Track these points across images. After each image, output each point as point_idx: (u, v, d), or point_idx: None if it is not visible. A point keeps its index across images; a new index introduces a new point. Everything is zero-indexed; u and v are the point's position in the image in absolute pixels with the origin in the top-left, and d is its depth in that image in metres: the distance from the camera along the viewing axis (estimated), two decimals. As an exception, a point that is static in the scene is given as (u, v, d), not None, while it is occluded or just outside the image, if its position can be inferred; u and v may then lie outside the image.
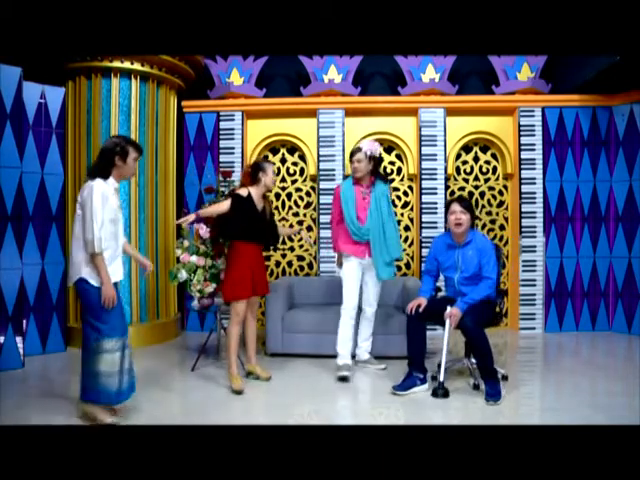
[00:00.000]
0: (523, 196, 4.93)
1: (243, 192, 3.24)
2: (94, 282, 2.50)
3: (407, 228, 5.19)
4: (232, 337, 3.21)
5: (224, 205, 3.25)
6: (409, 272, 5.16)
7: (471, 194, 5.16)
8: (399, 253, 3.56)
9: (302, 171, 5.24)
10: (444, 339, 3.09)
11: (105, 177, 2.56)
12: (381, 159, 3.71)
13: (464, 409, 2.82)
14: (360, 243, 3.49)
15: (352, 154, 3.55)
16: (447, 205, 3.24)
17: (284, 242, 5.23)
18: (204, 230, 3.93)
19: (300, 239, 3.82)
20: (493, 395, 2.85)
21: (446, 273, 3.27)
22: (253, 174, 3.30)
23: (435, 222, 4.93)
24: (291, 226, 5.11)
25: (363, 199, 3.53)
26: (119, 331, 2.56)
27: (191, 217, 3.25)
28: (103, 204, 2.48)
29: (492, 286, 3.06)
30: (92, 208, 2.45)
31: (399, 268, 5.19)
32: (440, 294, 3.45)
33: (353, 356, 3.64)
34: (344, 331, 3.51)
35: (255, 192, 3.28)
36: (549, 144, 4.91)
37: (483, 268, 3.08)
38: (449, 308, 3.04)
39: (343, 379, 3.36)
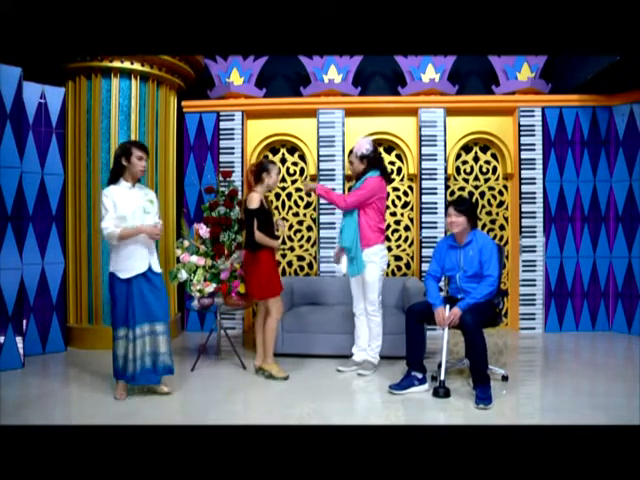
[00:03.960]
0: (523, 196, 4.93)
1: (255, 203, 3.30)
2: (119, 275, 2.92)
3: (407, 228, 5.19)
4: (274, 332, 3.43)
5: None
6: (409, 272, 5.16)
7: (471, 194, 5.16)
8: (346, 244, 3.44)
9: (302, 171, 5.24)
10: (444, 339, 3.09)
11: (115, 179, 2.96)
12: (374, 154, 3.51)
13: (465, 409, 2.81)
14: None
15: (348, 155, 3.61)
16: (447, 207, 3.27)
17: (284, 242, 5.24)
18: (204, 230, 3.93)
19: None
20: (484, 399, 2.82)
21: (449, 273, 3.28)
22: (257, 174, 3.39)
23: (435, 222, 4.93)
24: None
25: None
26: (122, 322, 2.94)
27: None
28: (114, 206, 2.88)
29: (493, 283, 3.06)
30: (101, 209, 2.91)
31: (399, 268, 5.19)
32: (441, 294, 3.45)
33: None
34: (355, 329, 3.70)
35: (260, 192, 3.39)
36: (549, 144, 4.91)
37: (484, 266, 3.09)
38: (447, 310, 3.06)
39: (338, 371, 3.60)
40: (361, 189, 3.44)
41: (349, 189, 3.66)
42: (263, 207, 3.36)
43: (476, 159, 5.21)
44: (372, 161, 3.48)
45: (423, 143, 4.96)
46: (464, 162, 5.20)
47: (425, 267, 4.88)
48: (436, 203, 4.93)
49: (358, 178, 3.54)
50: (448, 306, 3.08)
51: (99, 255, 4.28)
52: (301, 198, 5.24)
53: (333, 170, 4.97)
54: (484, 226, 5.15)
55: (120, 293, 2.93)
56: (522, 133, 4.92)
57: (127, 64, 4.28)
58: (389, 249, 5.12)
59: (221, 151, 5.02)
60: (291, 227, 5.24)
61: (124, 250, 2.91)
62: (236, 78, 4.99)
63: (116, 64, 4.25)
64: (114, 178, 2.97)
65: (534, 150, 4.92)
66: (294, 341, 3.95)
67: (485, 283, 3.05)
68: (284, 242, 5.23)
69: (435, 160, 4.96)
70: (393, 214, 5.17)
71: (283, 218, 5.21)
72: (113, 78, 4.31)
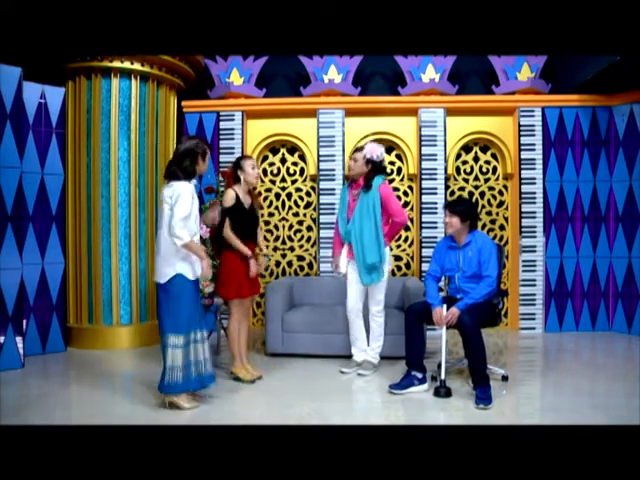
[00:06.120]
0: (523, 196, 4.93)
1: (228, 201, 3.22)
2: (188, 276, 2.72)
3: (407, 228, 5.19)
4: (234, 333, 3.33)
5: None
6: (409, 272, 5.16)
7: (471, 194, 5.17)
8: (373, 259, 3.37)
9: (302, 171, 5.24)
10: (442, 338, 3.09)
11: (191, 177, 2.77)
12: (381, 164, 3.49)
13: (465, 409, 2.81)
14: (350, 245, 3.51)
15: (353, 152, 3.54)
16: None
17: (284, 242, 5.24)
18: (204, 230, 3.93)
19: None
20: (484, 399, 2.82)
21: (448, 273, 3.29)
22: (234, 174, 3.31)
23: (435, 222, 4.93)
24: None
25: (353, 200, 3.52)
26: (187, 327, 2.74)
27: None
28: (191, 206, 2.70)
29: (492, 284, 3.06)
30: (181, 206, 2.63)
31: (399, 268, 5.19)
32: (441, 294, 3.45)
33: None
34: (350, 331, 3.66)
35: (240, 191, 3.28)
36: (549, 144, 4.91)
37: (482, 266, 3.09)
38: (445, 310, 3.06)
39: (341, 372, 3.57)
40: (389, 201, 3.42)
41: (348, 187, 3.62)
42: (240, 205, 3.23)
43: (476, 159, 5.21)
44: (377, 168, 3.45)
45: (423, 143, 4.96)
46: (464, 162, 5.20)
47: (425, 267, 4.88)
48: (436, 203, 4.93)
49: (356, 180, 3.50)
50: (445, 306, 3.09)
51: (99, 255, 4.29)
52: (301, 198, 5.24)
53: (333, 170, 4.97)
54: (484, 226, 5.15)
55: (192, 295, 2.77)
56: (522, 133, 4.92)
57: (127, 64, 4.28)
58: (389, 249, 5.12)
59: (221, 151, 5.02)
60: (291, 227, 5.24)
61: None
62: (236, 78, 5.00)
63: (116, 64, 4.25)
64: (189, 176, 2.76)
65: (534, 150, 4.92)
66: (294, 341, 3.95)
67: (484, 283, 3.06)
68: (284, 242, 5.23)
69: (435, 160, 4.96)
70: (393, 214, 5.17)
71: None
72: (113, 78, 4.31)
